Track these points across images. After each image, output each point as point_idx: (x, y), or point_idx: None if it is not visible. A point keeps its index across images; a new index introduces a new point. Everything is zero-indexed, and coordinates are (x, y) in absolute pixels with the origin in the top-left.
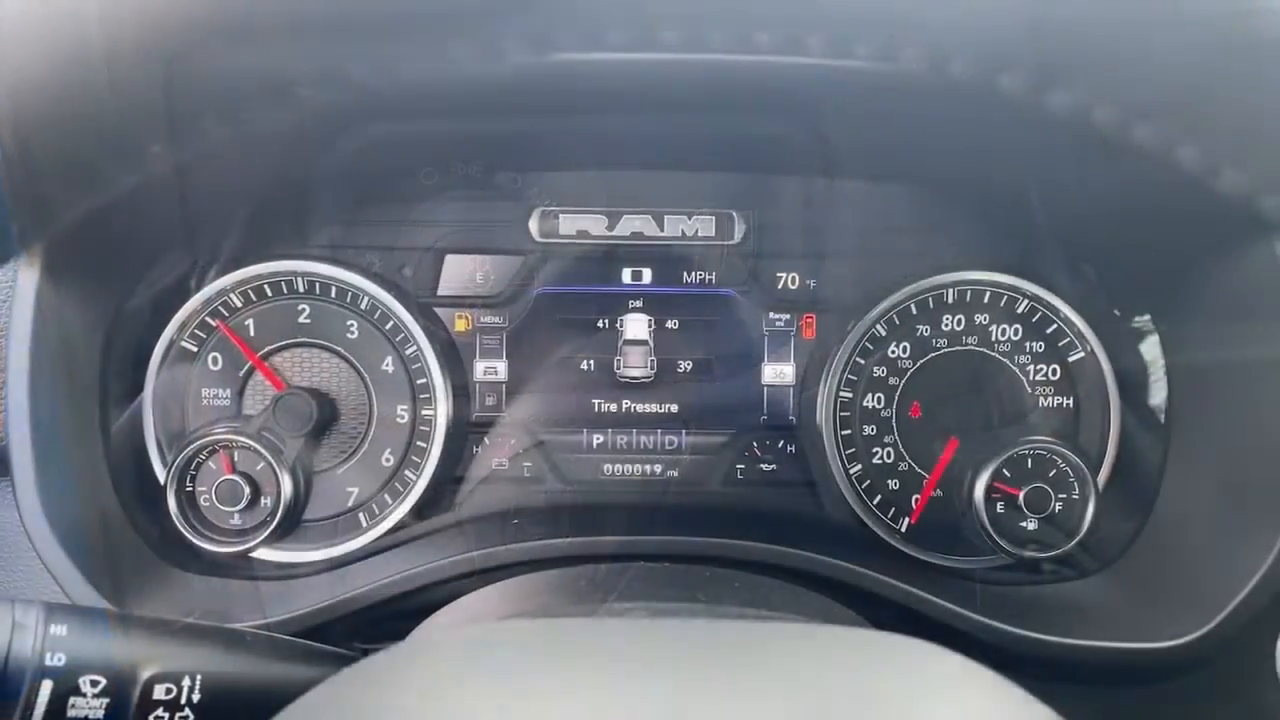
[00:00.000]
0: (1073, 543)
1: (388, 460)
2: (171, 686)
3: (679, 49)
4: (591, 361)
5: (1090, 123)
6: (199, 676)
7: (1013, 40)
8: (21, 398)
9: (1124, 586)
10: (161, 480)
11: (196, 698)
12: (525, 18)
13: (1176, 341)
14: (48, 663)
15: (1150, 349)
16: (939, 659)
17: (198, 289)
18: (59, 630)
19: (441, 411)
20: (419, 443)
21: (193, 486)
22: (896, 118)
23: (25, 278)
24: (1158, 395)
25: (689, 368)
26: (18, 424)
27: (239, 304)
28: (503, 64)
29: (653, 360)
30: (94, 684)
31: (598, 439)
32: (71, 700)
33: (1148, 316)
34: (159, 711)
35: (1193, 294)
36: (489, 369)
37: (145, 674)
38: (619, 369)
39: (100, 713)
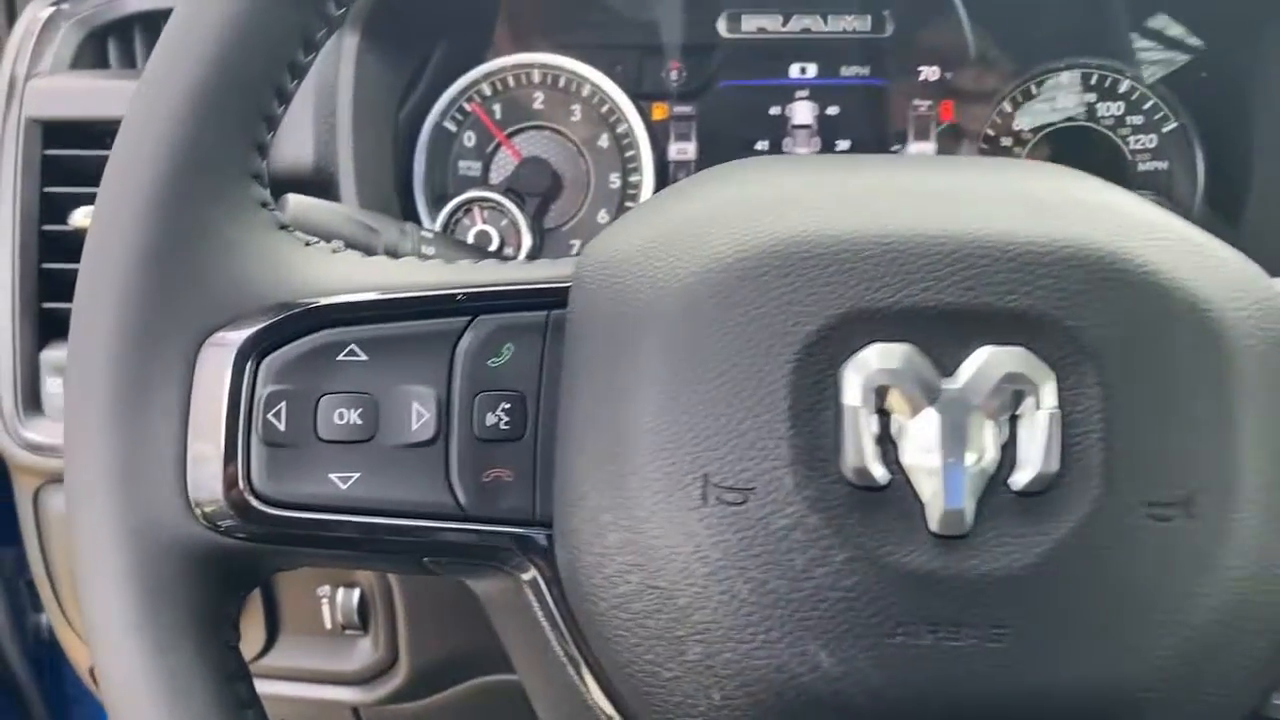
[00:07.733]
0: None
1: (603, 219)
2: None
3: None
4: (765, 143)
5: None
6: None
7: None
8: (346, 137)
9: None
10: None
11: None
12: None
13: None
14: None
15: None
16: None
17: (456, 78)
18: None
19: (647, 181)
20: (628, 205)
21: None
22: None
23: (348, 42)
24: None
25: (847, 148)
26: (345, 155)
27: (488, 92)
28: None
29: (817, 141)
30: None
31: None
32: None
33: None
34: None
35: None
36: (680, 150)
37: None
38: (787, 149)
39: None
